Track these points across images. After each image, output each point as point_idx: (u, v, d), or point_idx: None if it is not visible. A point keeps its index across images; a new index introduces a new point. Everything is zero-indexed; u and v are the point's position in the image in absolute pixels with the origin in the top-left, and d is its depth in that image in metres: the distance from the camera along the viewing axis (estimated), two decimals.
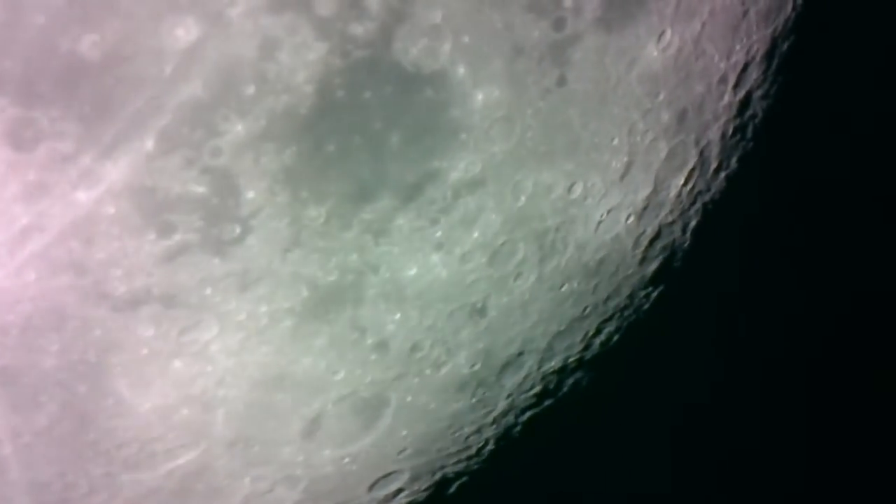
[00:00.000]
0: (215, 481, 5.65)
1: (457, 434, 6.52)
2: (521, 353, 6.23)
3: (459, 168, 4.89)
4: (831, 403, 13.80)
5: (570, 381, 7.00)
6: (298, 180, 4.42)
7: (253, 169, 4.27)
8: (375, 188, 4.68)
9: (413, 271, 5.15)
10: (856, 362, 13.58)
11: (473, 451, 6.88)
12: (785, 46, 6.38)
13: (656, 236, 6.33)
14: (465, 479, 7.20)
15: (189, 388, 4.97)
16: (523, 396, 6.70)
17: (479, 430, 6.67)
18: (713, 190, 6.55)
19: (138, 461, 5.24)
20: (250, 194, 4.34)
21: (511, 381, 6.42)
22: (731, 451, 13.08)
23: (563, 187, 5.42)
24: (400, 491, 6.78)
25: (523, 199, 5.26)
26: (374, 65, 4.36)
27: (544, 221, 5.48)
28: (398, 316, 5.33)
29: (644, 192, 5.91)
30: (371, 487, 6.52)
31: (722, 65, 5.91)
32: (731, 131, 6.33)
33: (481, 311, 5.68)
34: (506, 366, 6.23)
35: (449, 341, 5.69)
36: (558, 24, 4.84)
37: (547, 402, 7.01)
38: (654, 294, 6.89)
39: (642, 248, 6.29)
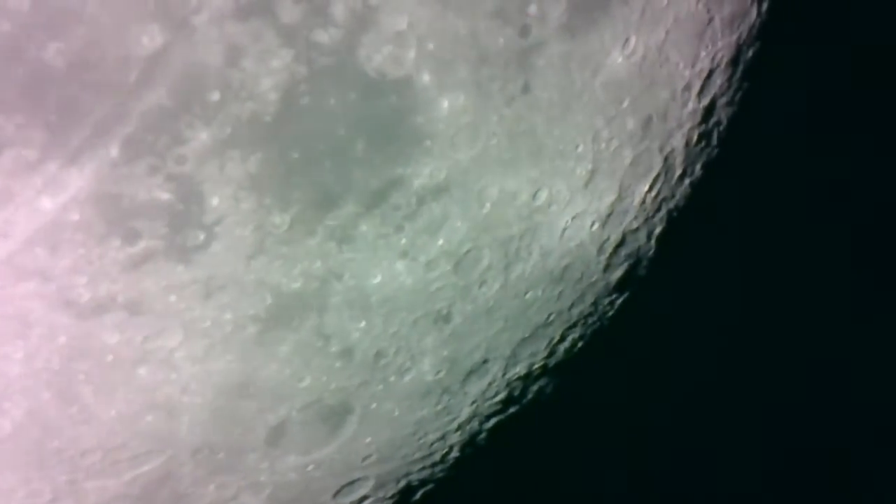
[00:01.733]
0: (180, 488, 5.68)
1: (421, 441, 6.56)
2: (485, 361, 6.28)
3: (424, 175, 4.94)
4: (802, 409, 13.91)
5: (535, 387, 7.05)
6: (263, 187, 4.47)
7: (217, 176, 4.32)
8: (339, 195, 4.73)
9: (377, 279, 5.19)
10: (825, 365, 13.71)
11: (438, 458, 6.91)
12: (750, 53, 6.45)
13: (621, 243, 6.39)
14: (430, 486, 7.23)
15: (153, 396, 5.00)
16: (488, 403, 6.75)
17: (443, 437, 6.70)
18: (678, 197, 6.61)
19: (102, 468, 5.26)
20: (215, 201, 4.38)
21: (475, 388, 6.46)
22: (695, 455, 13.18)
23: (528, 194, 5.47)
24: (365, 498, 6.82)
25: (488, 206, 5.32)
26: (338, 72, 4.41)
27: (509, 228, 5.53)
28: (363, 323, 5.37)
29: (608, 199, 5.97)
30: (336, 494, 6.55)
31: (686, 72, 5.97)
32: (695, 138, 6.39)
33: (446, 319, 5.72)
34: (470, 373, 6.27)
35: (413, 348, 5.74)
36: (523, 31, 4.90)
37: (511, 409, 7.05)
38: (619, 301, 6.95)
39: (607, 255, 6.35)
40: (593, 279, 6.47)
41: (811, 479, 14.88)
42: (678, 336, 9.32)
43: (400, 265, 5.23)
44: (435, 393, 6.20)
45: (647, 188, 6.23)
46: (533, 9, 4.90)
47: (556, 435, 8.55)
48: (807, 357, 13.33)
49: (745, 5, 6.18)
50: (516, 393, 6.92)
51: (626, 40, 5.44)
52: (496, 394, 6.73)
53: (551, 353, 6.80)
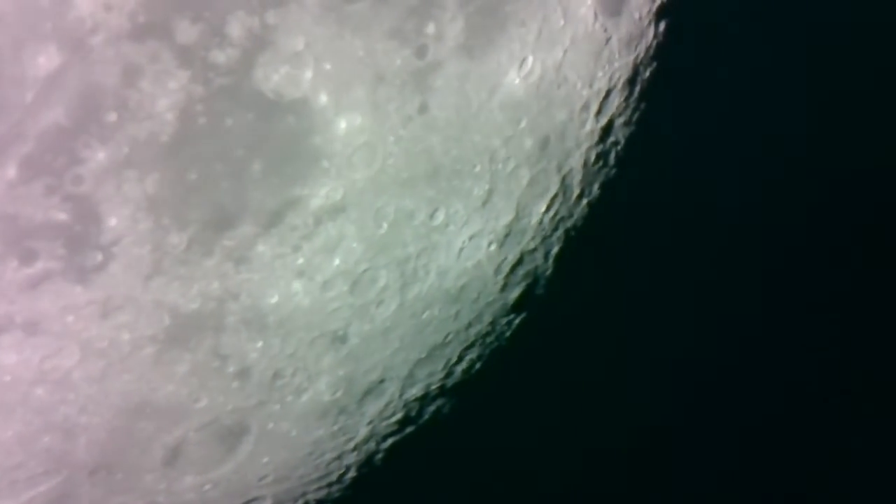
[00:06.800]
0: None
1: (318, 461, 6.61)
2: (382, 381, 6.36)
3: (321, 195, 5.06)
4: (707, 417, 14.09)
5: (432, 408, 7.14)
6: (160, 207, 4.58)
7: (115, 196, 4.40)
8: (237, 215, 4.84)
9: (274, 299, 5.28)
10: (722, 374, 13.89)
11: (335, 477, 6.97)
12: (647, 73, 6.59)
13: (518, 263, 6.51)
14: None
15: (51, 416, 5.04)
16: (385, 423, 6.82)
17: (340, 457, 6.76)
18: (575, 217, 6.75)
19: None
20: (112, 221, 4.47)
21: (372, 408, 6.54)
22: (593, 473, 13.27)
23: (425, 214, 5.59)
24: None
25: (385, 225, 5.43)
26: (235, 92, 4.53)
27: (406, 248, 5.65)
28: (260, 343, 5.45)
29: (506, 219, 6.09)
30: None
31: (584, 92, 6.11)
32: (593, 158, 6.54)
33: (343, 339, 5.81)
34: (367, 393, 6.35)
35: (310, 369, 5.81)
36: (420, 52, 5.05)
37: (408, 429, 7.14)
38: (517, 321, 7.07)
39: (504, 274, 6.47)
40: (490, 299, 6.58)
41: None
42: (575, 355, 9.42)
43: (297, 285, 5.33)
44: (332, 413, 6.27)
45: (544, 208, 6.37)
46: (430, 29, 5.03)
47: (452, 455, 8.61)
48: (701, 373, 13.51)
49: (642, 26, 6.34)
50: (413, 413, 7.01)
51: (524, 60, 5.58)
52: (393, 414, 6.81)
53: (448, 374, 6.90)
